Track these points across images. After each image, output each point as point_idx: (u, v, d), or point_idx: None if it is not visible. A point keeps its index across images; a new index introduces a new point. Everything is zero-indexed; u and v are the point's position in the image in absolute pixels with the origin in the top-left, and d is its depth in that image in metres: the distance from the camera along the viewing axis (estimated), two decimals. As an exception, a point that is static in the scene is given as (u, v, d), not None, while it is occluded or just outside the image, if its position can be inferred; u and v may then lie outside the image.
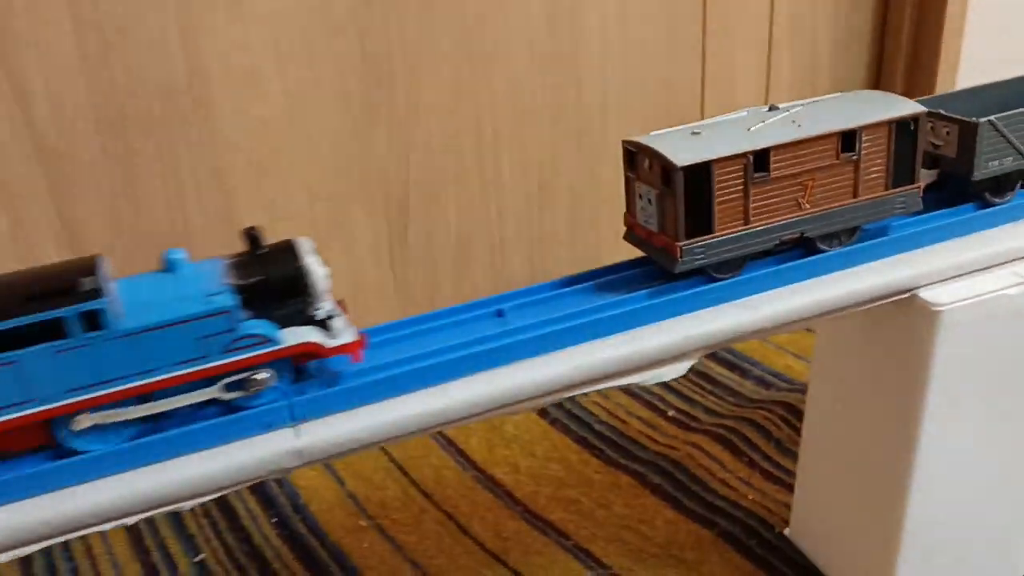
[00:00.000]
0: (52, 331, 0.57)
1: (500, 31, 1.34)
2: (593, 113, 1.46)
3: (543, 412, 1.28)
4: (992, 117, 0.79)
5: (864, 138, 0.74)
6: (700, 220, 0.71)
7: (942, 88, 1.67)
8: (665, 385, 1.32)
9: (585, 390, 0.70)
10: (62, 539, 0.61)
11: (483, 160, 1.40)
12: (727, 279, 0.74)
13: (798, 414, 1.20)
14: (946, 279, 0.78)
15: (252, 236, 0.64)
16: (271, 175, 1.25)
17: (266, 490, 1.17)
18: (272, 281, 0.64)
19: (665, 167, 0.70)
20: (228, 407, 0.63)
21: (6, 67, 1.06)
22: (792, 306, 0.73)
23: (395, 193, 1.35)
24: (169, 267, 0.64)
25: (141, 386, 0.60)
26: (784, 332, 0.76)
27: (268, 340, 0.62)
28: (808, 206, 0.75)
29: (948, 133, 0.81)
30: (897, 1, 1.66)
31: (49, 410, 0.59)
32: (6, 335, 0.57)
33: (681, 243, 0.71)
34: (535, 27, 1.36)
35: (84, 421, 0.60)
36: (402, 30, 1.27)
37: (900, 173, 0.77)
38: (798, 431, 1.18)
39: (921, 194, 0.78)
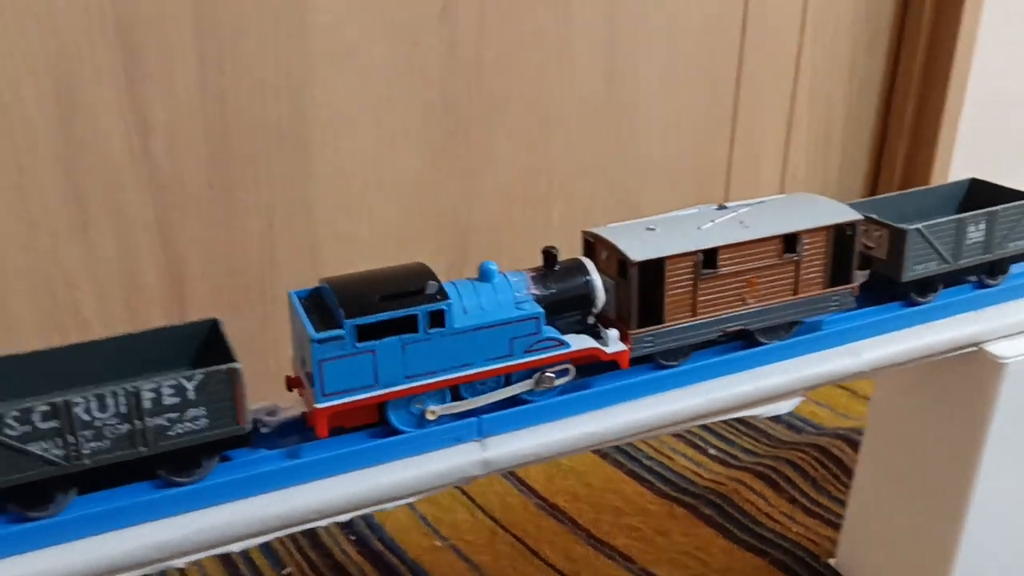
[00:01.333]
0: (405, 326, 0.67)
1: (563, 91, 1.45)
2: (634, 170, 1.58)
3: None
4: (920, 225, 0.85)
5: (805, 241, 0.80)
6: (651, 311, 0.77)
7: (939, 168, 1.84)
8: (704, 426, 1.42)
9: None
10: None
11: (536, 208, 1.51)
12: (674, 367, 0.79)
13: (830, 456, 1.32)
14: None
15: (550, 254, 0.76)
16: (353, 213, 1.34)
17: (340, 510, 1.23)
18: (565, 293, 0.75)
19: (622, 260, 0.76)
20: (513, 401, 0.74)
21: (133, 99, 1.13)
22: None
23: (457, 235, 1.44)
24: (484, 276, 0.74)
25: (461, 377, 0.71)
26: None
27: (561, 343, 0.73)
28: (752, 301, 0.80)
29: (880, 237, 0.87)
30: (901, 89, 1.83)
31: (389, 393, 0.69)
32: (371, 327, 0.67)
33: (632, 331, 0.76)
34: (594, 88, 1.48)
35: (432, 413, 0.70)
36: (480, 87, 1.37)
37: (837, 273, 0.82)
38: (831, 472, 1.30)
39: (856, 292, 0.84)
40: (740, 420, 1.44)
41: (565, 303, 0.75)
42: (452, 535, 1.20)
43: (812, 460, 1.32)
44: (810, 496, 1.26)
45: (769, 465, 1.31)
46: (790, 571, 1.13)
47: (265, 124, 1.23)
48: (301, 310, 0.69)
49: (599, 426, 0.76)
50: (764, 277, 0.80)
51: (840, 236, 0.82)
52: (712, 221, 0.80)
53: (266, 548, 1.17)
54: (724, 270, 0.78)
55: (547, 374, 0.73)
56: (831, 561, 1.15)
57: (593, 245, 0.80)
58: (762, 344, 0.82)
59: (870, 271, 0.89)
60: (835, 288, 0.83)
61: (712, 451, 1.37)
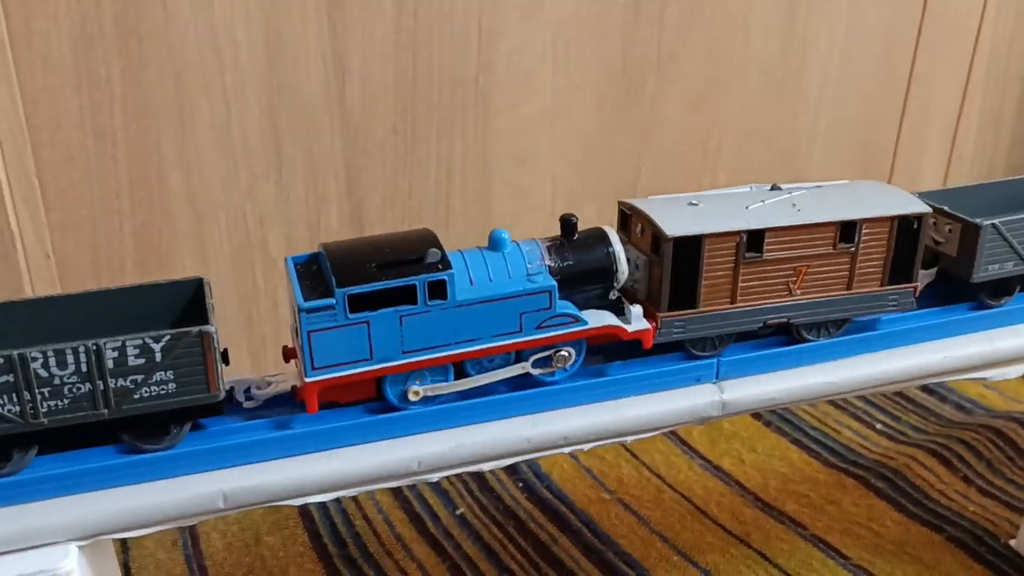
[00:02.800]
0: (402, 297, 0.62)
1: (739, 54, 1.43)
2: (802, 139, 1.55)
3: (756, 414, 1.36)
4: (996, 220, 0.77)
5: (864, 231, 0.73)
6: (685, 293, 0.71)
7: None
8: (868, 400, 1.39)
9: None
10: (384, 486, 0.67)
11: (702, 172, 1.49)
12: (706, 357, 0.73)
13: (1005, 438, 1.28)
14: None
15: (568, 222, 0.70)
16: (526, 167, 1.35)
17: (506, 457, 1.25)
18: (584, 265, 0.69)
19: (656, 235, 0.70)
20: (529, 381, 0.68)
21: (334, 44, 1.16)
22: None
23: (625, 194, 1.44)
24: (495, 245, 0.68)
25: (465, 353, 0.65)
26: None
27: (578, 320, 0.67)
28: (799, 292, 0.73)
29: (950, 231, 0.80)
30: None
31: (386, 368, 0.64)
32: (364, 297, 0.62)
33: (661, 314, 0.70)
34: (770, 52, 1.45)
35: (415, 394, 0.65)
36: (659, 46, 1.36)
37: (897, 270, 0.75)
38: (1006, 454, 1.26)
39: (917, 294, 0.77)
40: (904, 397, 1.41)
41: (584, 276, 0.69)
42: (618, 489, 1.21)
43: (986, 441, 1.28)
44: (985, 477, 1.22)
45: (940, 443, 1.28)
46: (969, 549, 1.10)
47: (452, 74, 1.25)
48: (294, 276, 0.65)
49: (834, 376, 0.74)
50: (815, 267, 0.73)
51: (904, 229, 0.74)
52: (762, 201, 0.73)
53: (437, 487, 1.20)
54: (770, 255, 0.71)
55: (561, 353, 0.68)
56: (1011, 542, 1.11)
57: (628, 217, 0.74)
58: (807, 340, 0.76)
59: (937, 269, 0.82)
60: (894, 286, 0.75)
61: (879, 426, 1.34)
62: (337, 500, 1.17)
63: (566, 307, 0.67)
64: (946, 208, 0.80)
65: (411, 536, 1.12)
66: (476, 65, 1.25)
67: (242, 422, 0.66)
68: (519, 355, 0.68)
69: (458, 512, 1.16)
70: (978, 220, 0.78)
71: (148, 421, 0.61)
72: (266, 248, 1.23)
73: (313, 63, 1.16)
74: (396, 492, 1.19)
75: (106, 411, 0.60)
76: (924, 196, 0.79)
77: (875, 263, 0.74)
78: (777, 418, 1.35)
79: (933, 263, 0.82)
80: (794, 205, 0.73)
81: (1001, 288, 0.81)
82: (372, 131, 1.23)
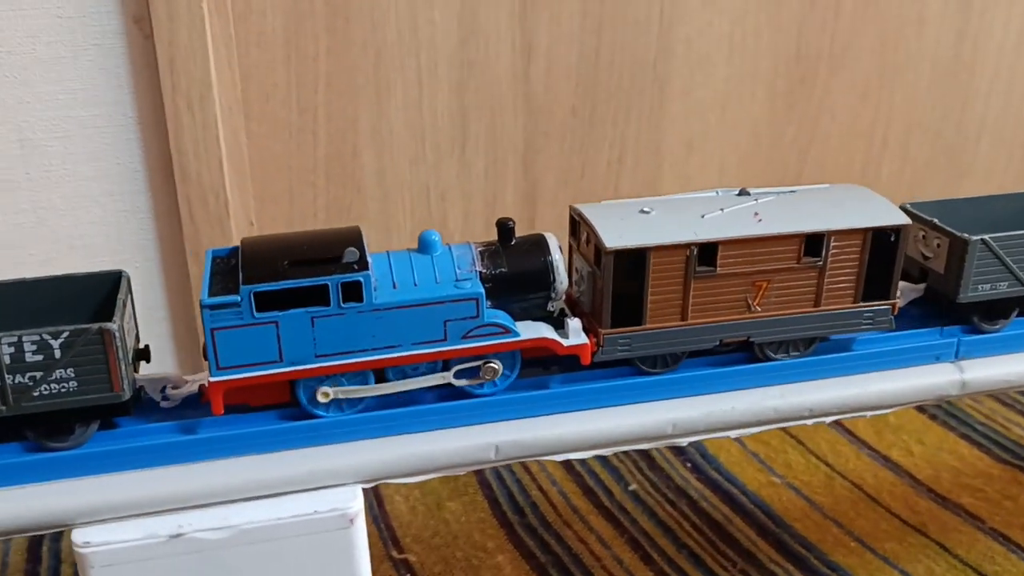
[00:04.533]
0: (313, 297, 0.59)
1: (911, 45, 1.42)
2: (969, 133, 1.52)
3: (920, 408, 1.35)
4: (987, 236, 0.70)
5: (833, 243, 0.67)
6: (629, 309, 0.66)
7: None
8: (1036, 399, 1.37)
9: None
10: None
11: (866, 164, 1.48)
12: (657, 375, 0.68)
13: None
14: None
15: (505, 227, 0.65)
16: (695, 153, 1.36)
17: (671, 438, 1.27)
18: (518, 273, 0.64)
19: (597, 246, 0.64)
20: (454, 392, 0.64)
21: (524, 24, 1.19)
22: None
23: (786, 183, 1.44)
24: (424, 247, 0.64)
25: (382, 360, 0.61)
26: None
27: (508, 331, 0.63)
28: (759, 309, 0.67)
29: (939, 245, 0.73)
30: None
31: (296, 371, 0.60)
32: (272, 296, 0.58)
33: (604, 331, 0.66)
34: (942, 45, 1.43)
35: (325, 395, 0.62)
36: (832, 35, 1.36)
37: (873, 286, 0.69)
38: None
39: (895, 311, 0.70)
40: (1074, 397, 1.38)
41: (518, 285, 0.64)
42: (787, 474, 1.21)
43: None
44: None
45: (1118, 444, 1.25)
46: None
47: (633, 58, 1.26)
48: (208, 271, 0.62)
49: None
50: (777, 282, 0.67)
51: (880, 242, 0.68)
52: (721, 209, 0.67)
53: (606, 463, 1.22)
54: (725, 269, 0.65)
55: (491, 365, 0.63)
56: None
57: (578, 224, 0.69)
58: (771, 359, 0.70)
59: (926, 286, 0.76)
60: (869, 303, 0.69)
61: (1049, 424, 1.32)
62: (510, 469, 1.21)
63: (496, 316, 0.63)
64: (935, 221, 0.74)
65: (587, 508, 1.14)
66: (655, 49, 1.27)
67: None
68: (447, 364, 0.63)
69: (630, 488, 1.18)
70: (965, 235, 0.71)
71: (51, 419, 0.59)
72: (446, 224, 1.27)
73: (503, 43, 1.19)
74: (568, 466, 1.22)
75: (3, 408, 0.58)
76: (920, 206, 0.74)
77: (846, 278, 0.68)
78: (943, 412, 1.34)
79: (922, 278, 0.76)
80: (756, 214, 0.66)
81: (996, 310, 0.73)
82: (553, 112, 1.26)
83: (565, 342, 0.64)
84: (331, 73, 1.13)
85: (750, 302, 0.67)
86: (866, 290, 0.69)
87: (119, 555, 0.59)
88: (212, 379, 0.59)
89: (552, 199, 1.31)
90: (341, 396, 0.62)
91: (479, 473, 1.19)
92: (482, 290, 0.61)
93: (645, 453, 1.24)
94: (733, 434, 0.69)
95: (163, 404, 0.65)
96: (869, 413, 0.73)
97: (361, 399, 0.63)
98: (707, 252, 0.65)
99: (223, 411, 0.61)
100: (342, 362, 0.61)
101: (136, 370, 0.65)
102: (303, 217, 1.19)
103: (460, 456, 0.64)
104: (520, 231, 0.68)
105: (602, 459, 1.23)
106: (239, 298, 0.58)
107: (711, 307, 0.66)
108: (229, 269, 0.62)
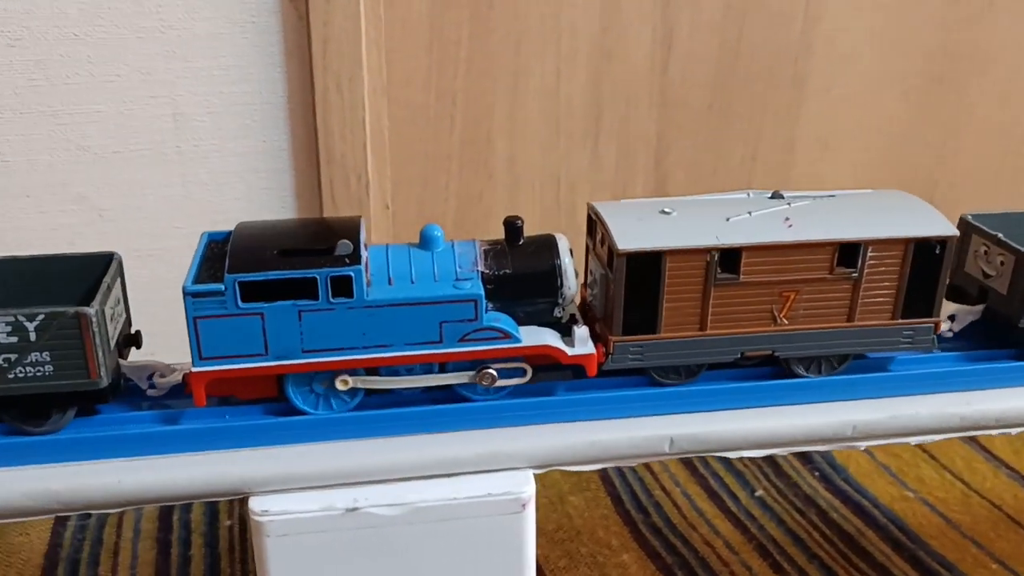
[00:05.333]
0: (302, 290, 0.56)
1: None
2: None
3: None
4: None
5: (870, 254, 0.61)
6: (643, 316, 0.61)
7: None
8: None
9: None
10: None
11: (1000, 170, 1.42)
12: (672, 386, 0.64)
13: None
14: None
15: (513, 226, 0.61)
16: (829, 151, 1.32)
17: (796, 445, 1.23)
18: (523, 276, 0.60)
19: (611, 248, 0.60)
20: (455, 395, 0.62)
21: (665, 16, 1.17)
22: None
23: (926, 189, 1.39)
24: (425, 243, 0.61)
25: (374, 359, 0.58)
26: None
27: (508, 336, 0.59)
28: (786, 321, 0.62)
29: (1003, 263, 0.66)
30: None
31: (282, 366, 0.58)
32: (258, 286, 0.56)
33: (614, 338, 0.61)
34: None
35: (344, 383, 0.59)
36: (976, 36, 1.31)
37: (914, 302, 0.63)
38: None
39: (938, 331, 0.64)
40: None
41: (523, 287, 0.60)
42: (920, 489, 1.16)
43: None
44: None
45: None
46: None
47: (773, 53, 1.23)
48: (198, 256, 0.59)
49: None
50: (807, 294, 0.62)
51: (924, 254, 0.62)
52: (749, 212, 0.62)
53: (729, 466, 1.19)
54: (749, 277, 0.61)
55: (488, 371, 0.60)
56: None
57: (594, 224, 0.64)
58: (799, 376, 0.65)
59: (985, 307, 0.69)
60: (909, 320, 0.64)
61: None
62: (632, 468, 1.19)
63: (497, 320, 0.59)
64: (1000, 235, 0.67)
65: (713, 512, 1.11)
66: (797, 45, 1.23)
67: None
68: (444, 367, 0.60)
69: (756, 494, 1.15)
70: None
71: (26, 403, 0.57)
72: (573, 215, 1.25)
73: (643, 33, 1.17)
74: (691, 468, 1.19)
75: None
76: (983, 218, 0.68)
77: (884, 292, 0.62)
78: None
79: (982, 299, 0.70)
80: (787, 219, 0.61)
81: None
82: (688, 105, 1.23)
83: (570, 351, 0.60)
84: (471, 59, 1.12)
85: (776, 314, 0.62)
86: (906, 306, 0.63)
87: (295, 525, 0.59)
88: (194, 369, 0.57)
89: (681, 195, 1.28)
90: (359, 386, 0.60)
91: (602, 469, 1.17)
92: (482, 291, 0.58)
93: (771, 459, 1.21)
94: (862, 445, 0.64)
95: (149, 392, 0.63)
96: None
97: (354, 396, 0.61)
98: (730, 258, 0.60)
99: (205, 403, 0.58)
100: (331, 359, 0.58)
101: (124, 356, 0.63)
102: (434, 202, 1.18)
103: (636, 447, 0.63)
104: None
105: (725, 462, 1.20)
106: (223, 287, 0.55)
107: (732, 317, 0.62)
108: (221, 255, 0.59)
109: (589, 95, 1.19)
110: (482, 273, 0.59)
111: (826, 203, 0.64)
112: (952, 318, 0.70)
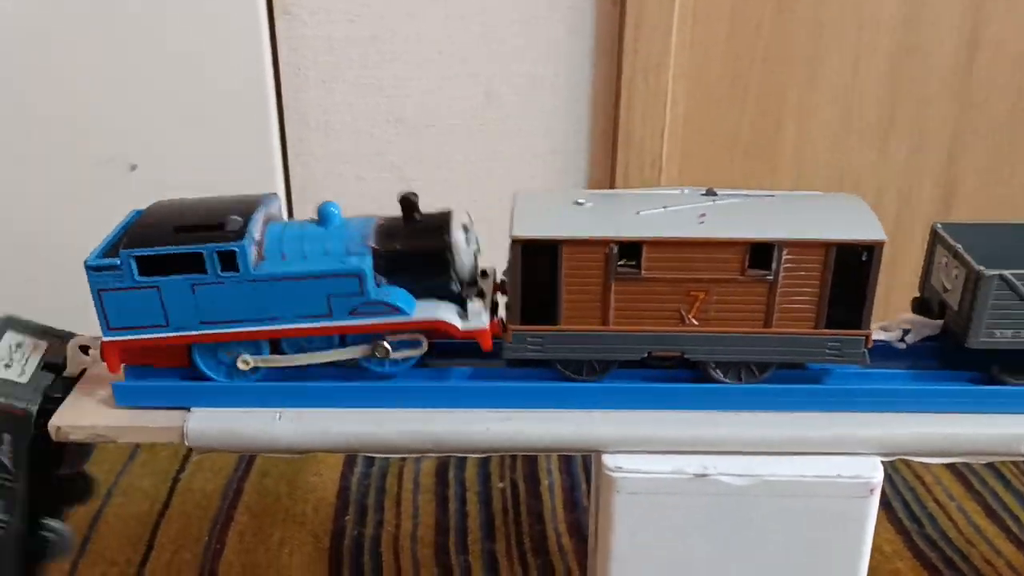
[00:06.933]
0: (193, 264, 0.59)
1: None
2: None
3: None
4: (1008, 271, 0.59)
5: (786, 256, 0.58)
6: (543, 306, 0.60)
7: None
8: None
9: None
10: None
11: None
12: (579, 382, 0.62)
13: None
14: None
15: (408, 201, 0.62)
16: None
17: None
18: (413, 252, 0.61)
19: (512, 236, 0.59)
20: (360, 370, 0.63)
21: (975, 13, 1.12)
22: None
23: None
24: (322, 219, 0.63)
25: (267, 331, 0.61)
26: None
27: (396, 310, 0.60)
28: (695, 322, 0.60)
29: (956, 277, 0.62)
30: None
31: (182, 336, 0.61)
32: (153, 260, 0.59)
33: (512, 326, 0.61)
34: None
35: (245, 364, 0.62)
36: None
37: (841, 311, 0.59)
38: None
39: (869, 344, 0.60)
40: None
41: (415, 264, 0.61)
42: None
43: None
44: None
45: None
46: None
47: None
48: (116, 231, 0.63)
49: None
50: (717, 294, 0.59)
51: (849, 260, 0.58)
52: (664, 207, 0.59)
53: (1008, 485, 1.14)
54: (651, 274, 0.59)
55: (383, 343, 0.61)
56: None
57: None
58: (717, 381, 0.62)
59: (943, 323, 0.65)
60: (834, 331, 0.60)
61: None
62: (902, 476, 1.15)
63: (387, 295, 0.60)
64: (958, 247, 0.62)
65: (993, 532, 1.06)
66: (964, 46, 1.15)
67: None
68: (344, 339, 0.62)
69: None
70: (981, 267, 0.59)
71: None
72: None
73: (947, 29, 1.13)
74: (966, 483, 1.14)
75: None
76: (953, 228, 0.64)
77: (804, 299, 0.59)
78: None
79: (942, 314, 0.65)
80: (702, 215, 0.59)
81: (1021, 362, 0.62)
82: (991, 109, 1.18)
83: (462, 325, 0.61)
84: (768, 46, 1.12)
85: (684, 313, 0.60)
86: (833, 316, 0.60)
87: (645, 484, 0.61)
88: (105, 339, 0.62)
89: (969, 201, 1.23)
90: (260, 365, 0.63)
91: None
92: (368, 266, 0.60)
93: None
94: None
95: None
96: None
97: (257, 369, 0.64)
98: (631, 252, 0.59)
99: (119, 370, 0.63)
100: (226, 331, 0.61)
101: None
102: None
103: (988, 445, 0.61)
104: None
105: (1004, 480, 1.15)
106: (119, 261, 0.59)
107: (637, 314, 0.61)
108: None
109: (884, 89, 1.16)
110: (373, 249, 0.61)
111: (756, 202, 0.62)
112: (906, 331, 0.67)
